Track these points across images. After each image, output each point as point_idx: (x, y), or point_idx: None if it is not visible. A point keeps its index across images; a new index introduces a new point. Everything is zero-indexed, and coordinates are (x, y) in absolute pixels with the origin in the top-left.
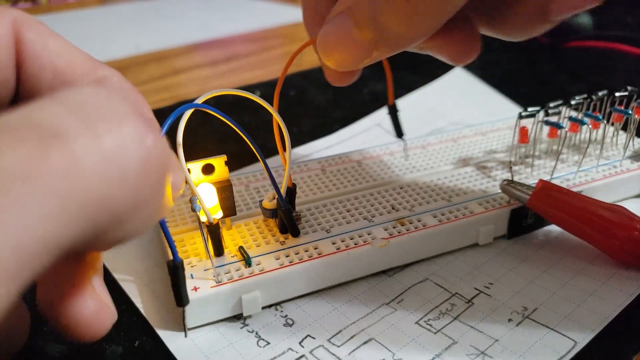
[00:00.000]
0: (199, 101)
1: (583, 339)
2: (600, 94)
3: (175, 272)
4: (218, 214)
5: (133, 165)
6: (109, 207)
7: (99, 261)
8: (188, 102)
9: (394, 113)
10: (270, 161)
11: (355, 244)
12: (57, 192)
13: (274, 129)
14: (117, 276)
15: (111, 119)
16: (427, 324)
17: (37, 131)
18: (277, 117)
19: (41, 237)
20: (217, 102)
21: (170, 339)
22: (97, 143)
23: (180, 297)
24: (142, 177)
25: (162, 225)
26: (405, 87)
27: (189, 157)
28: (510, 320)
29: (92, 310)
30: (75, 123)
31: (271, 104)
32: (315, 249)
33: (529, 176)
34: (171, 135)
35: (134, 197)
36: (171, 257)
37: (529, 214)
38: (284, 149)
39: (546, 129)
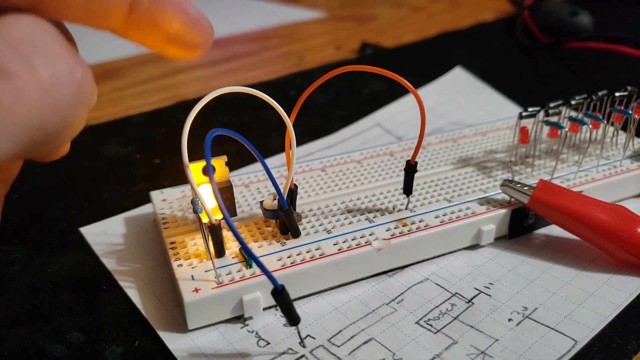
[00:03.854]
0: (207, 100)
1: (583, 339)
2: (600, 94)
3: (284, 298)
4: (219, 215)
5: (65, 96)
6: (44, 129)
7: (10, 178)
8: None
9: (411, 172)
10: (270, 161)
11: (357, 245)
12: (4, 120)
13: (286, 134)
14: (117, 276)
15: (47, 55)
16: (427, 324)
17: None
18: (284, 117)
19: None
20: (218, 101)
21: (170, 339)
22: (37, 78)
23: (293, 318)
24: (72, 105)
25: (249, 251)
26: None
27: (190, 158)
28: (510, 320)
29: None
30: (18, 61)
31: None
32: (317, 249)
33: (529, 176)
34: (175, 137)
35: (64, 121)
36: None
37: (530, 214)
38: (291, 148)
39: (546, 129)
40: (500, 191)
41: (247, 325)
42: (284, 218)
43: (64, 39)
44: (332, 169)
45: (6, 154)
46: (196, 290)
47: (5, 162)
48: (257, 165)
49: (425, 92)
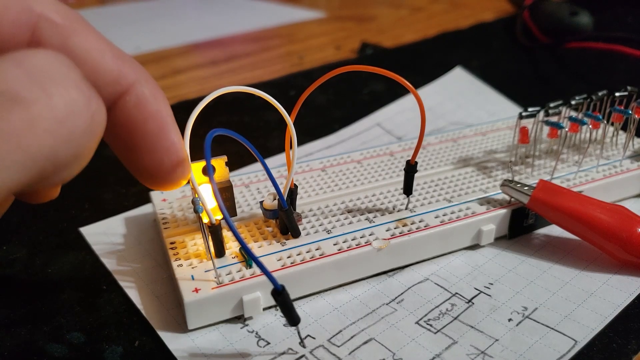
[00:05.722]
0: (209, 99)
1: (583, 339)
2: (600, 94)
3: (284, 298)
4: (219, 215)
5: (79, 126)
6: (55, 159)
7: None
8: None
9: (411, 172)
10: (270, 161)
11: (357, 245)
12: (16, 148)
13: (286, 132)
14: (117, 276)
15: (63, 85)
16: (427, 324)
17: (1, 96)
18: (286, 118)
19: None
20: (218, 101)
21: (170, 339)
22: (51, 108)
23: (293, 319)
24: (85, 135)
25: (248, 251)
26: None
27: (190, 158)
28: (510, 320)
29: None
30: (33, 89)
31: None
32: (317, 249)
33: (529, 176)
34: None
35: (76, 151)
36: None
37: (530, 214)
38: (291, 148)
39: (546, 129)
40: (500, 191)
41: (247, 325)
42: (284, 218)
43: (79, 72)
44: (332, 169)
45: (15, 183)
46: (196, 290)
47: (14, 192)
48: (257, 165)
49: (425, 92)
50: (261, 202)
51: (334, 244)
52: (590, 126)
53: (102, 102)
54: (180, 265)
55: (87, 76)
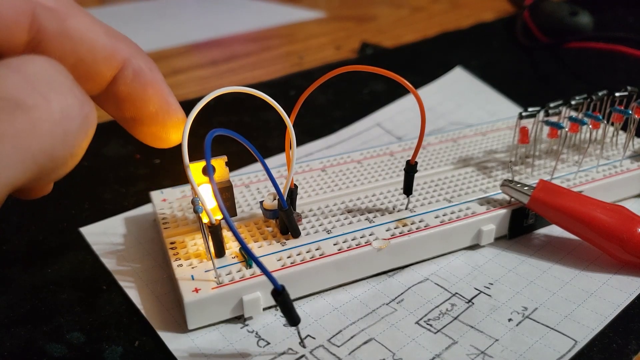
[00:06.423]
0: (207, 100)
1: (583, 339)
2: (600, 94)
3: (284, 298)
4: (219, 215)
5: (74, 127)
6: (53, 157)
7: None
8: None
9: (411, 172)
10: (270, 161)
11: (357, 245)
12: (20, 148)
13: (286, 133)
14: (117, 276)
15: (59, 91)
16: (427, 324)
17: (5, 102)
18: (284, 117)
19: (3, 180)
20: (218, 101)
21: (170, 339)
22: (50, 112)
23: (293, 319)
24: (79, 135)
25: (249, 252)
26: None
27: (190, 158)
28: (510, 320)
29: None
30: (33, 95)
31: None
32: (317, 249)
33: (529, 176)
34: None
35: (71, 150)
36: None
37: (530, 214)
38: (291, 148)
39: (546, 129)
40: (500, 191)
41: (247, 325)
42: (284, 218)
43: (72, 78)
44: (332, 169)
45: (19, 179)
46: (196, 290)
47: (17, 188)
48: (257, 165)
49: (425, 92)
50: (261, 202)
51: (334, 244)
52: (590, 126)
53: (93, 105)
54: (180, 265)
55: (85, 54)
